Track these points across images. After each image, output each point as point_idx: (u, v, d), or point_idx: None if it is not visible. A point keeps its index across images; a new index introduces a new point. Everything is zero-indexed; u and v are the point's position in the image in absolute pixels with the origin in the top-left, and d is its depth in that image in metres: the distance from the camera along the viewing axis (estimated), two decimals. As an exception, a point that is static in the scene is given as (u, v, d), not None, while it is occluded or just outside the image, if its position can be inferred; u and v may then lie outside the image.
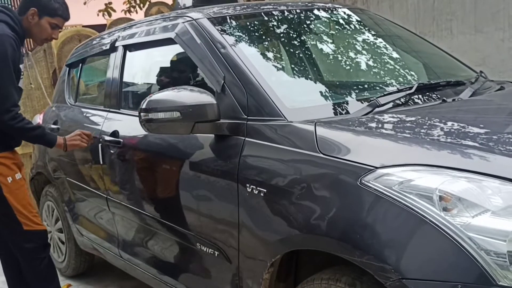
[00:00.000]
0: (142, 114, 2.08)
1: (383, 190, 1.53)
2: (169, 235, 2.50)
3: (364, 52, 2.60)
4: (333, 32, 2.70)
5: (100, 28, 5.68)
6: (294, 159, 1.82)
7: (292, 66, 2.50)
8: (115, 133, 2.81)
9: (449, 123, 1.86)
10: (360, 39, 2.70)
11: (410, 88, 2.11)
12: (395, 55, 2.66)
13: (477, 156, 1.55)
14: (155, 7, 6.99)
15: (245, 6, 2.82)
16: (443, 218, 1.42)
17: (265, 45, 2.46)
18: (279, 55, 2.45)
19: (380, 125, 1.86)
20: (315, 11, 2.74)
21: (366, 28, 2.78)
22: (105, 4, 6.89)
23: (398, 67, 2.56)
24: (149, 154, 2.58)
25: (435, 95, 2.15)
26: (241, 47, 2.27)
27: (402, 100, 2.06)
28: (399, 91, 2.11)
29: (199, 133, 2.09)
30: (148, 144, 2.56)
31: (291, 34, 2.59)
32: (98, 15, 7.00)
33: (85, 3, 6.72)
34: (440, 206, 1.43)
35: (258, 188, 1.88)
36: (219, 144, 2.11)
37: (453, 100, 2.13)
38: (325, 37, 2.69)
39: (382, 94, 2.07)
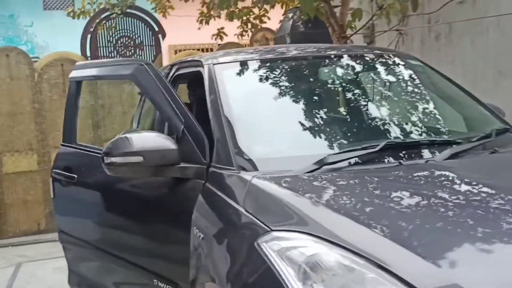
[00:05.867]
0: (105, 157, 2.15)
1: (268, 253, 1.57)
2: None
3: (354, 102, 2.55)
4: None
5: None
6: (226, 209, 1.91)
7: (282, 114, 2.39)
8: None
9: (377, 192, 1.79)
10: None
11: (375, 146, 2.04)
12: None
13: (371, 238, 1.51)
14: (261, 33, 7.34)
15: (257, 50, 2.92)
16: None
17: (260, 90, 2.51)
18: (269, 102, 2.46)
19: (304, 186, 1.84)
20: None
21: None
22: (218, 29, 7.39)
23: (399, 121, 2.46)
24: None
25: (402, 156, 2.06)
26: (231, 92, 2.36)
27: (362, 159, 2.01)
28: (362, 148, 2.06)
29: (161, 176, 2.23)
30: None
31: (289, 80, 2.58)
32: (212, 38, 7.55)
33: (199, 29, 7.28)
34: (303, 276, 1.44)
35: (199, 232, 2.01)
36: (179, 186, 2.24)
37: (426, 162, 2.02)
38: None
39: (338, 152, 2.05)
